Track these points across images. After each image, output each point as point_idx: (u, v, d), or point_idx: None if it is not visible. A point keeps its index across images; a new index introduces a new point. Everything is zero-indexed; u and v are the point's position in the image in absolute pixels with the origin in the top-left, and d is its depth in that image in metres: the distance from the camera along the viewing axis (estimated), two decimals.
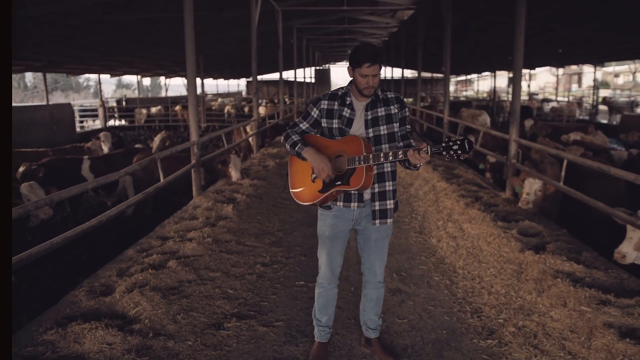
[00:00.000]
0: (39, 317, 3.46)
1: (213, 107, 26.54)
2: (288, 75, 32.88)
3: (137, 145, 11.46)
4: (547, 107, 26.76)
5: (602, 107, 26.21)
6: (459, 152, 2.41)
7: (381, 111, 2.78)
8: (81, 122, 26.32)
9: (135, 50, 18.81)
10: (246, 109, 24.39)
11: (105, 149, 10.13)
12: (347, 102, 2.79)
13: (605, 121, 23.35)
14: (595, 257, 4.37)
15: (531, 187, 5.95)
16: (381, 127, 2.77)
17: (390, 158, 2.57)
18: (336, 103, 2.80)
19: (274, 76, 40.08)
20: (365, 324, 3.15)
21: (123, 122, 26.16)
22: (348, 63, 2.74)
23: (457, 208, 6.17)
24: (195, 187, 7.01)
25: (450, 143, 2.43)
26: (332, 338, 3.30)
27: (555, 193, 6.01)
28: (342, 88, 2.87)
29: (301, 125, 2.87)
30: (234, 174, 7.81)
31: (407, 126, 2.84)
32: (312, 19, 19.05)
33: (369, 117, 2.77)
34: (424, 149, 2.47)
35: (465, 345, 3.25)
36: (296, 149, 2.75)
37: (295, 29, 19.25)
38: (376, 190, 2.80)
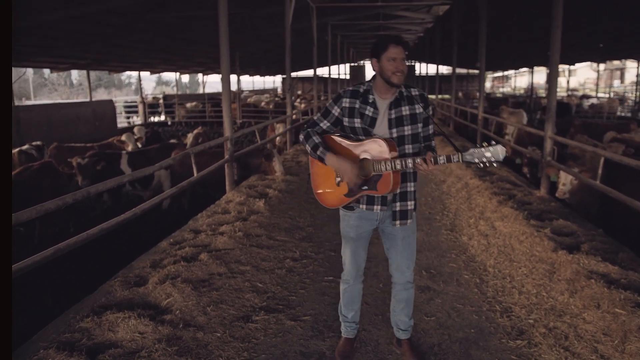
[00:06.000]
0: (77, 304, 3.61)
1: (262, 104, 26.80)
2: (323, 72, 32.91)
3: (172, 141, 11.72)
4: (587, 103, 25.81)
5: None
6: (492, 159, 2.40)
7: (405, 110, 2.66)
8: (128, 117, 27.20)
9: (174, 48, 19.26)
10: (263, 104, 24.62)
11: (130, 147, 10.41)
12: (370, 101, 2.66)
13: None
14: (633, 258, 4.21)
15: (566, 176, 5.98)
16: (405, 127, 2.65)
17: (418, 160, 2.51)
18: (358, 101, 2.66)
19: (309, 73, 40.22)
20: (396, 325, 3.09)
21: (163, 117, 26.78)
22: (371, 57, 2.67)
23: (490, 206, 6.06)
24: (229, 181, 7.11)
25: (483, 149, 2.41)
26: (359, 334, 3.30)
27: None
28: (362, 84, 2.73)
29: (322, 125, 2.76)
30: (278, 169, 8.03)
31: (430, 126, 2.74)
32: (346, 16, 18.98)
33: (393, 116, 2.65)
34: (430, 159, 2.48)
35: (494, 345, 3.20)
36: (318, 152, 2.65)
37: (330, 26, 19.21)
38: (398, 190, 2.70)
